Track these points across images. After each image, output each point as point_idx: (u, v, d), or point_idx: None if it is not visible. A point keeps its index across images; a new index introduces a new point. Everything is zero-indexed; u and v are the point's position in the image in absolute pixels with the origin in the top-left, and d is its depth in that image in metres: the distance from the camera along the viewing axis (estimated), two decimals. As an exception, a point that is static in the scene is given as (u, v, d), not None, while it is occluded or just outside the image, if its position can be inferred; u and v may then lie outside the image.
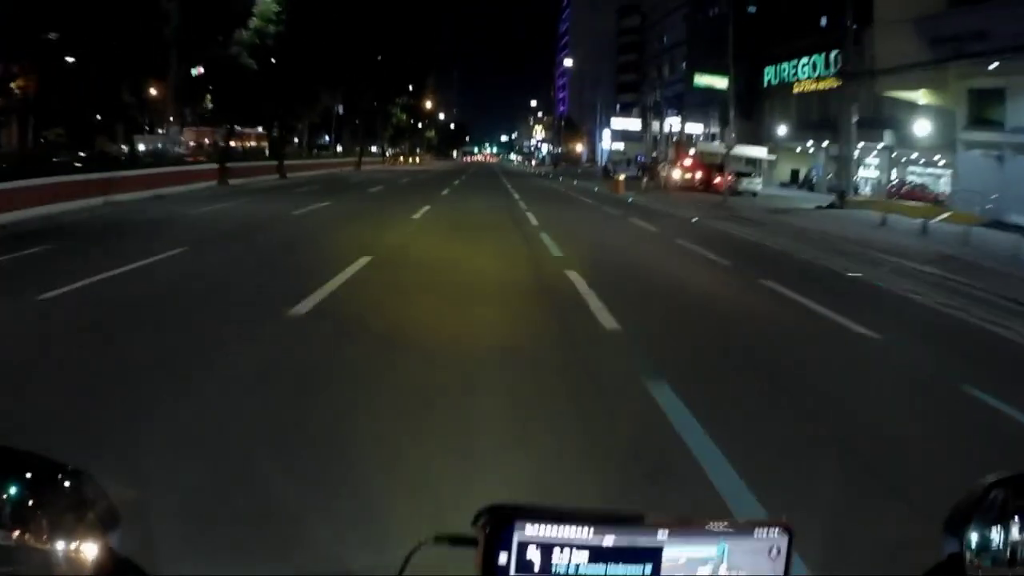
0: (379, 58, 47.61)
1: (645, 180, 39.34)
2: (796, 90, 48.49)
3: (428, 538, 0.88)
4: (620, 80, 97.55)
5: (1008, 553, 0.88)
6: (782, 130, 49.11)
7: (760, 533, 0.85)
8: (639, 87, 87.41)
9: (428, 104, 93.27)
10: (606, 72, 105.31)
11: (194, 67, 29.38)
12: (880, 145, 38.19)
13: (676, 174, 40.42)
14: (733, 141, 37.09)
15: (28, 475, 0.80)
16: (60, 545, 0.76)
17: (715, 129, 60.81)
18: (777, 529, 0.85)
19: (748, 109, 55.18)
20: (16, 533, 0.76)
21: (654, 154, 58.42)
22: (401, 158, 79.30)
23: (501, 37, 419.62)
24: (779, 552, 0.85)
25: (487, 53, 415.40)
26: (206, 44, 27.70)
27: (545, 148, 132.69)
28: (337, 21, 35.38)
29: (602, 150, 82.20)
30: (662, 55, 74.32)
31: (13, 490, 0.78)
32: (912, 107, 33.04)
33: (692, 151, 49.18)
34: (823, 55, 45.26)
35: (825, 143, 45.67)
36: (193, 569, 2.92)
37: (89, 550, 0.77)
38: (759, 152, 49.87)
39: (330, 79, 38.92)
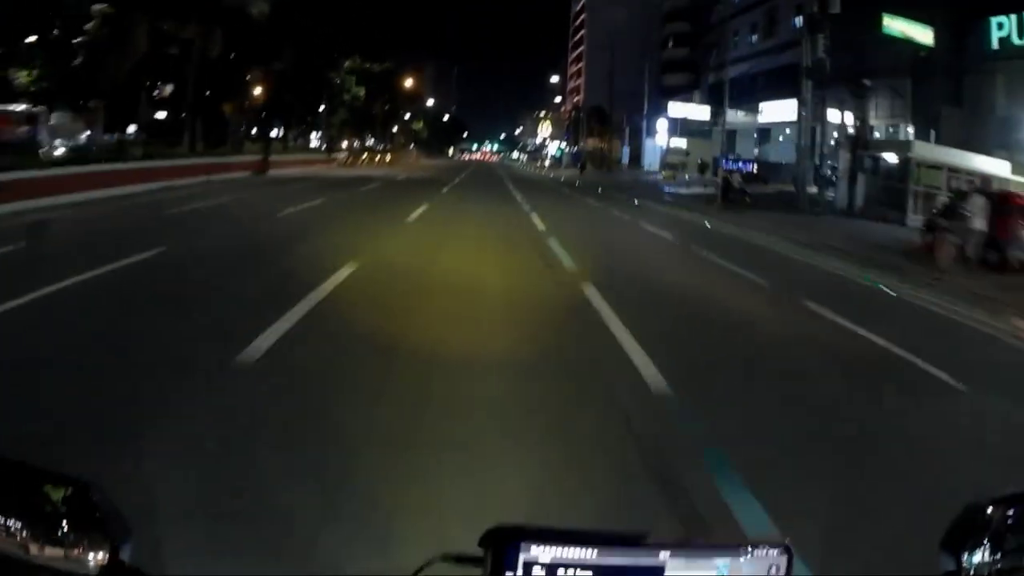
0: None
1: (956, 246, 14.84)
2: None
3: (435, 556, 0.91)
4: (665, 57, 73.39)
5: (1019, 563, 0.87)
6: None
7: (760, 553, 0.87)
8: (698, 64, 63.22)
9: (409, 83, 69.27)
10: (643, 49, 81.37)
11: None
12: None
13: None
14: None
15: (39, 489, 0.81)
16: (72, 558, 0.78)
17: (871, 119, 36.61)
18: (776, 549, 0.87)
19: (954, 89, 31.37)
20: (28, 547, 0.76)
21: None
22: (366, 155, 55.14)
23: (503, 22, 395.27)
24: (778, 571, 0.87)
25: (488, 42, 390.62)
26: None
27: (555, 145, 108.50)
28: None
29: (656, 148, 57.72)
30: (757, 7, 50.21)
31: (25, 505, 0.80)
32: None
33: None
34: None
35: None
36: (195, 569, 2.62)
37: (100, 562, 0.78)
38: (994, 167, 25.98)
39: None
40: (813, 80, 29.24)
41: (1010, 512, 0.91)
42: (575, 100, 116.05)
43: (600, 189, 34.85)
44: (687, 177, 39.27)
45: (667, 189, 37.29)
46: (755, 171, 39.74)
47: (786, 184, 38.64)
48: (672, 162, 53.00)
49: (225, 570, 2.69)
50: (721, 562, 0.86)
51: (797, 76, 44.86)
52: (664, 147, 55.47)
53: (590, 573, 0.82)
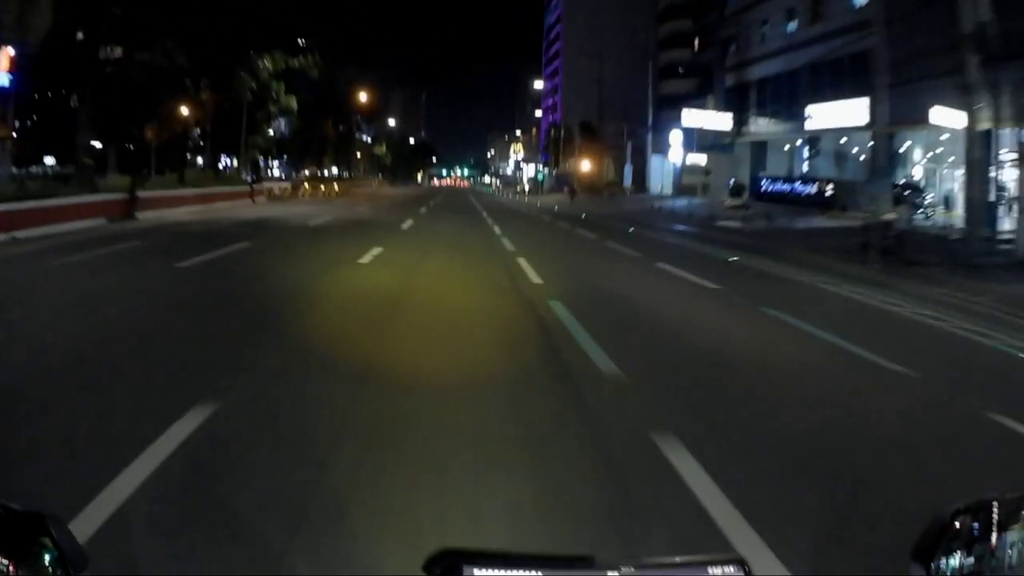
0: None
1: None
2: None
3: None
4: (663, 60, 63.38)
5: (979, 568, 0.89)
6: None
7: (715, 570, 0.83)
8: (707, 67, 53.20)
9: (363, 97, 58.50)
10: (632, 56, 71.72)
11: None
12: None
13: None
14: None
15: None
16: None
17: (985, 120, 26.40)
18: (733, 566, 0.83)
19: None
20: None
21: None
22: (307, 186, 44.00)
23: (471, 46, 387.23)
24: None
25: (455, 66, 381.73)
26: None
27: (532, 168, 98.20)
28: None
29: (667, 166, 47.22)
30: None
31: None
32: None
33: None
34: None
35: None
36: (187, 570, 2.62)
37: None
38: None
39: None
40: (981, 55, 18.28)
41: (978, 519, 0.92)
42: (551, 119, 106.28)
43: (632, 229, 23.97)
44: (737, 205, 28.49)
45: (723, 224, 26.57)
46: (829, 195, 29.24)
47: (861, 211, 28.29)
48: (689, 183, 42.61)
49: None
50: None
51: (861, 68, 34.82)
52: (677, 165, 45.02)
53: None
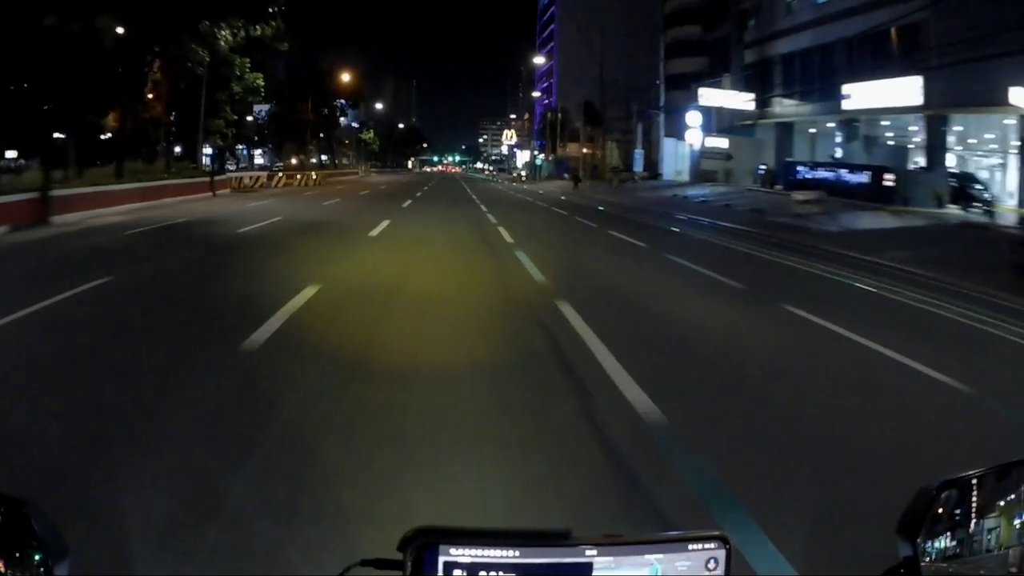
0: None
1: None
2: None
3: (354, 563, 0.89)
4: (670, 37, 58.77)
5: (960, 551, 0.92)
6: None
7: (695, 547, 0.82)
8: (723, 44, 48.88)
9: (345, 78, 53.83)
10: (634, 34, 67.31)
11: None
12: None
13: None
14: None
15: None
16: None
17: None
18: (714, 542, 0.83)
19: None
20: None
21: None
22: (281, 176, 39.44)
23: (462, 33, 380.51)
24: (717, 564, 0.82)
25: (447, 53, 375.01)
26: None
27: (528, 154, 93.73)
28: None
29: (686, 150, 42.95)
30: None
31: None
32: None
33: None
34: None
35: None
36: (179, 570, 2.56)
37: None
38: None
39: None
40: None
41: (961, 494, 0.93)
42: (545, 103, 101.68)
43: (676, 230, 19.54)
44: (808, 200, 23.74)
45: (778, 220, 22.10)
46: (888, 185, 24.92)
47: (927, 207, 24.17)
48: (709, 169, 38.38)
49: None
50: (654, 558, 0.81)
51: (909, 44, 30.53)
52: (695, 149, 40.71)
53: (513, 574, 0.79)
